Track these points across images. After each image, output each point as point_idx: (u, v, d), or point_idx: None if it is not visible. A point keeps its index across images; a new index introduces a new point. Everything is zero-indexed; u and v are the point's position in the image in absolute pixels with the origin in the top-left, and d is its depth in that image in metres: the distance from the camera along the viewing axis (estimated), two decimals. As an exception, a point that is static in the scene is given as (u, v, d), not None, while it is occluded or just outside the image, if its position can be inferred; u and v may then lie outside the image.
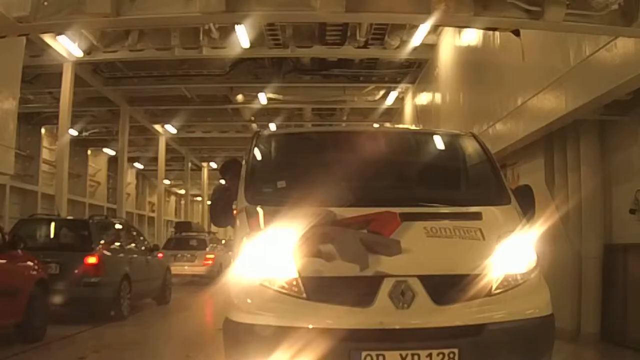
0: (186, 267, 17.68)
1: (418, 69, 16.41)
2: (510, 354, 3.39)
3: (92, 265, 9.41)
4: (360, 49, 14.35)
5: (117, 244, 10.82)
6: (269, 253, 3.54)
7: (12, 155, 11.84)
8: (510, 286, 3.51)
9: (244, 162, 4.43)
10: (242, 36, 13.42)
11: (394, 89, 18.41)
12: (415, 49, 13.97)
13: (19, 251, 7.44)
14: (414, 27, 12.63)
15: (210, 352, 6.37)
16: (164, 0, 5.46)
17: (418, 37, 13.17)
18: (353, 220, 3.67)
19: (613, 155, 7.60)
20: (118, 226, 11.84)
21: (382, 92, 19.25)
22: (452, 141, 5.02)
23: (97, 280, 9.33)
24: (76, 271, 9.23)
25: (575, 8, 4.95)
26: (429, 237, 3.60)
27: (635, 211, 6.86)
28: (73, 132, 20.18)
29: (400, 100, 19.31)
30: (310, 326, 3.28)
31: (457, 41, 12.23)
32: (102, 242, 10.12)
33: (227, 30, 13.74)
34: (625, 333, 7.01)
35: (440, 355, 3.22)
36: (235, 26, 12.60)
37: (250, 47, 14.06)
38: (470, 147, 4.74)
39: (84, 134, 23.91)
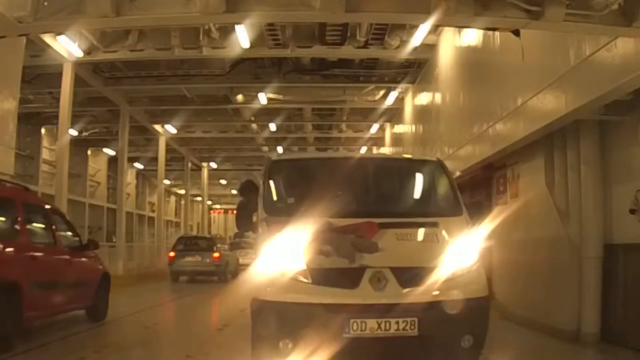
0: (240, 260, 27.12)
1: (418, 69, 16.40)
2: (455, 323, 4.68)
3: (216, 257, 20.49)
4: (360, 49, 14.32)
5: (222, 246, 22.58)
6: (285, 251, 4.89)
7: (12, 155, 11.83)
8: (457, 275, 4.84)
9: (261, 183, 5.79)
10: (242, 36, 13.40)
11: (394, 89, 18.41)
12: (415, 49, 13.95)
13: (91, 252, 9.55)
14: (414, 27, 12.61)
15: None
16: (164, 0, 5.48)
17: (418, 37, 13.15)
18: (345, 228, 4.97)
19: (613, 155, 7.60)
20: (219, 237, 28.95)
21: (382, 92, 19.25)
22: (421, 166, 6.45)
23: (218, 264, 20.49)
24: (208, 260, 20.28)
25: (575, 8, 4.97)
26: (398, 240, 5.01)
27: (635, 211, 6.86)
28: (73, 132, 20.16)
29: (400, 100, 19.33)
30: (317, 302, 4.63)
31: (457, 41, 12.24)
32: (218, 245, 21.48)
33: (227, 30, 13.72)
34: (625, 333, 7.01)
35: (405, 322, 4.59)
36: (235, 26, 12.59)
37: (250, 47, 14.02)
38: (436, 170, 6.12)
39: (84, 134, 23.89)
